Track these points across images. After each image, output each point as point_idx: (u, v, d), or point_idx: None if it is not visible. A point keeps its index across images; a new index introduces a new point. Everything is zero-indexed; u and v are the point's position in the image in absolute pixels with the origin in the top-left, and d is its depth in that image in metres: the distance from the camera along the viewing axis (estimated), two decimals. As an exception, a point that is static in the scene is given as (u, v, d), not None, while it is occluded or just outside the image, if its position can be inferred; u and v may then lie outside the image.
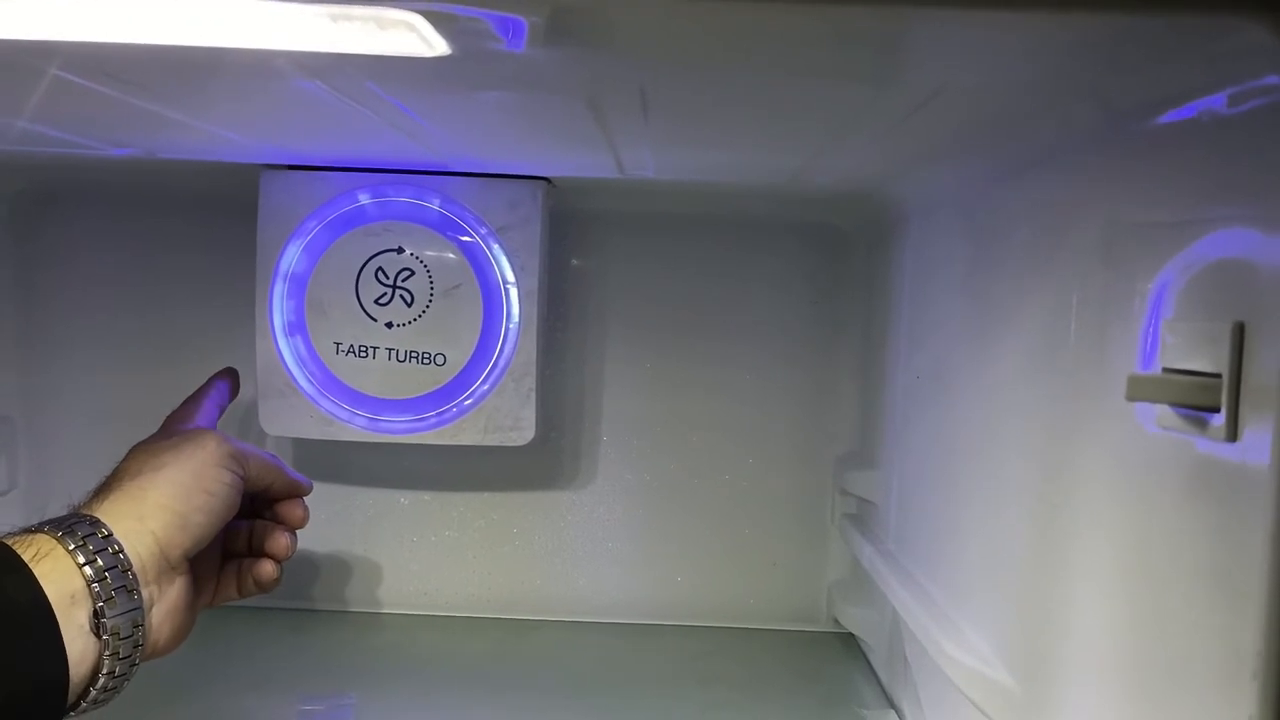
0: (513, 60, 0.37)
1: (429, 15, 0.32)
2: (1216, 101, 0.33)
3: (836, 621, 0.89)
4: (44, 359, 0.88)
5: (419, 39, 0.34)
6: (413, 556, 0.90)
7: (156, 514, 0.51)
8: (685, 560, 0.90)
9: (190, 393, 0.69)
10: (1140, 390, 0.33)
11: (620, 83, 0.41)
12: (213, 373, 0.72)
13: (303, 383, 0.77)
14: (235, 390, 0.71)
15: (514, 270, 0.77)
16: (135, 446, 0.58)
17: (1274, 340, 0.30)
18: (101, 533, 0.48)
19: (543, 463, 0.89)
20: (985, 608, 0.54)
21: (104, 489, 0.53)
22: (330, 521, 0.88)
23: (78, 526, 0.48)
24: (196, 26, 0.34)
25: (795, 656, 0.85)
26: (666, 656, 0.84)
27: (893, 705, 0.74)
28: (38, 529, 0.48)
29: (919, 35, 0.32)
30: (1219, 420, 0.32)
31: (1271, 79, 0.30)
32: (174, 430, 0.61)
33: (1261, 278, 0.31)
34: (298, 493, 0.64)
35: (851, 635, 0.87)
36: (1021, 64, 0.35)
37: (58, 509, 0.52)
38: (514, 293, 0.77)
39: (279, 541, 0.62)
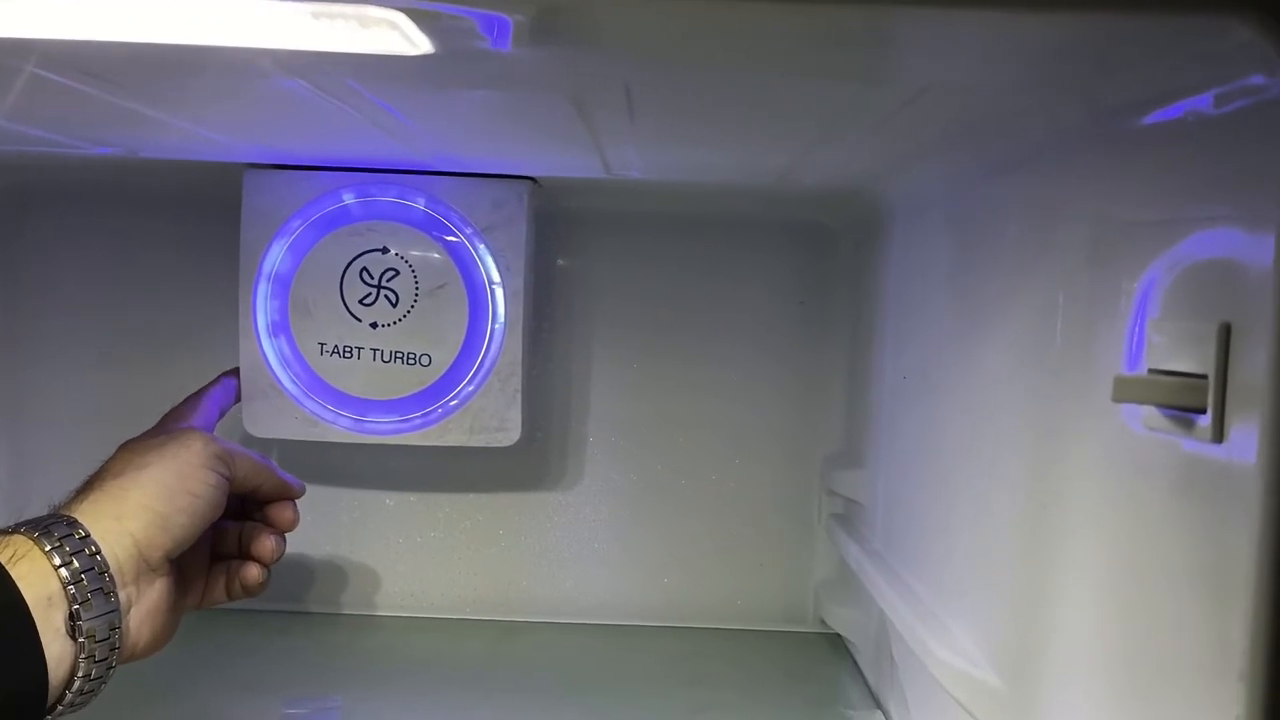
0: (497, 59, 0.37)
1: (412, 13, 0.32)
2: (1203, 101, 0.33)
3: (823, 622, 0.88)
4: (25, 359, 0.87)
5: (401, 37, 0.34)
6: (399, 558, 0.89)
7: (136, 514, 0.51)
8: (672, 561, 0.90)
9: (177, 392, 0.68)
10: (1126, 392, 0.33)
11: (606, 81, 0.41)
12: (194, 372, 0.72)
13: (287, 384, 0.77)
14: (241, 391, 0.71)
15: (499, 270, 0.76)
16: (123, 445, 0.57)
17: (1260, 341, 0.30)
18: (78, 533, 0.48)
19: (529, 463, 0.89)
20: (972, 608, 0.54)
21: (86, 488, 0.53)
22: (315, 523, 0.87)
23: (54, 527, 0.48)
24: (175, 24, 0.34)
25: (782, 657, 0.85)
26: (653, 658, 0.83)
27: (879, 705, 0.74)
28: (14, 530, 0.48)
29: (906, 33, 0.32)
30: (1205, 421, 0.32)
31: (1257, 79, 0.30)
32: (164, 429, 0.60)
33: (1248, 278, 0.31)
34: (288, 495, 0.63)
35: (838, 635, 0.87)
36: (1009, 62, 0.35)
37: (37, 510, 0.52)
38: (499, 293, 0.77)
39: (265, 544, 0.61)
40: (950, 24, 0.30)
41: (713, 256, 0.88)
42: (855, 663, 0.82)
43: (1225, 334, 0.31)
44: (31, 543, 0.47)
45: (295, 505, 0.63)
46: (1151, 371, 0.35)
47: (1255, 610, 0.29)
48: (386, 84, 0.43)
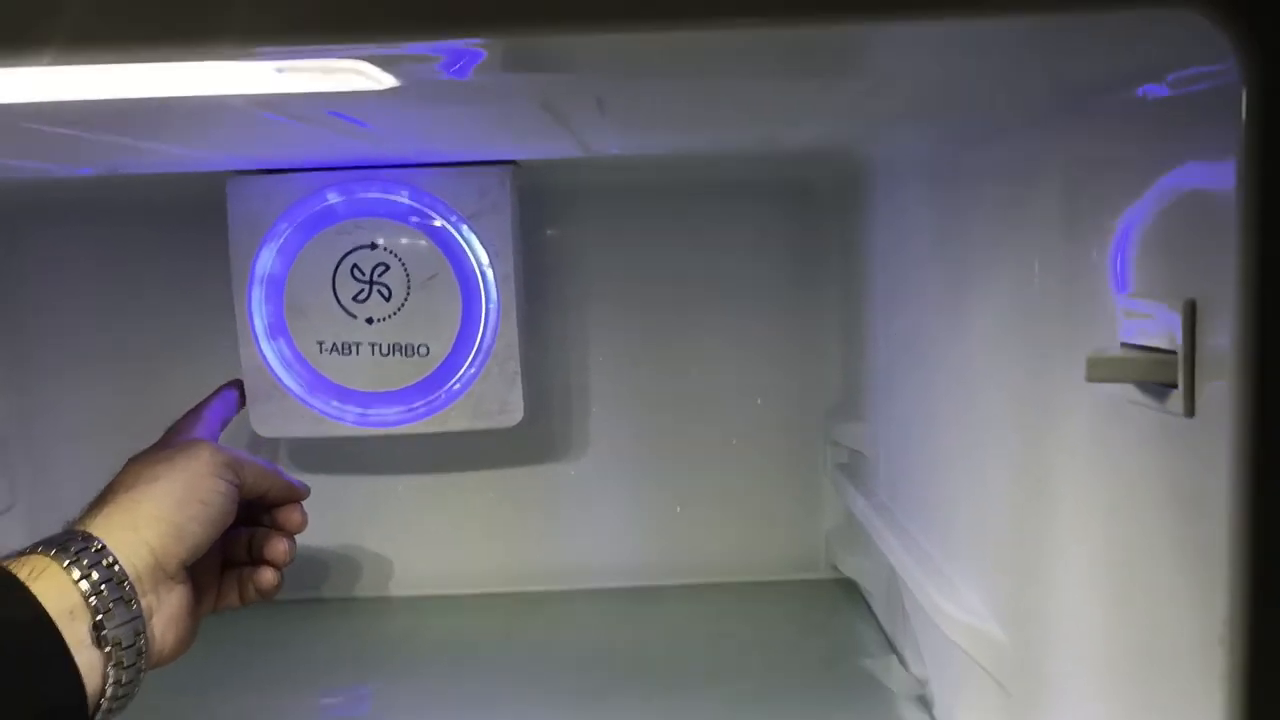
0: (463, 84, 0.37)
1: (373, 59, 0.32)
2: (1161, 84, 0.33)
3: (836, 568, 0.90)
4: (33, 375, 0.88)
5: (366, 79, 0.34)
6: (413, 541, 0.91)
7: (151, 525, 0.52)
8: (684, 520, 0.91)
9: (183, 397, 0.69)
10: (1099, 371, 0.34)
11: (574, 93, 0.41)
12: (199, 376, 0.73)
13: (290, 383, 0.78)
14: (242, 401, 0.72)
15: (488, 256, 0.77)
16: (131, 460, 0.58)
17: (1225, 318, 0.31)
18: (95, 547, 0.49)
19: (536, 440, 0.90)
20: (974, 563, 0.56)
21: (99, 503, 0.54)
22: (331, 512, 0.88)
23: (71, 543, 0.49)
24: (147, 82, 0.35)
25: (797, 607, 0.86)
26: (671, 618, 0.85)
27: (895, 650, 0.76)
28: (32, 550, 0.49)
29: (865, 43, 0.32)
30: (1177, 395, 0.33)
31: (1208, 65, 0.31)
32: (170, 442, 0.61)
33: (1211, 255, 0.31)
34: (295, 498, 0.64)
35: (852, 581, 0.88)
36: (971, 57, 0.35)
37: (55, 523, 0.52)
38: (490, 278, 0.77)
39: (278, 548, 0.62)
40: (907, 31, 0.31)
41: (702, 221, 0.88)
42: (869, 607, 0.84)
43: (1191, 311, 0.32)
44: (49, 560, 0.48)
45: (303, 508, 0.65)
46: (1124, 346, 0.36)
47: (1232, 581, 0.31)
48: (361, 108, 0.44)
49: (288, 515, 0.64)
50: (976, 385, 0.53)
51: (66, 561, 0.48)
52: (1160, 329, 0.33)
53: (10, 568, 0.47)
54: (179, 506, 0.54)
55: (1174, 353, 0.33)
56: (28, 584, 0.46)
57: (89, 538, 0.49)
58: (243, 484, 0.59)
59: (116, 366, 0.88)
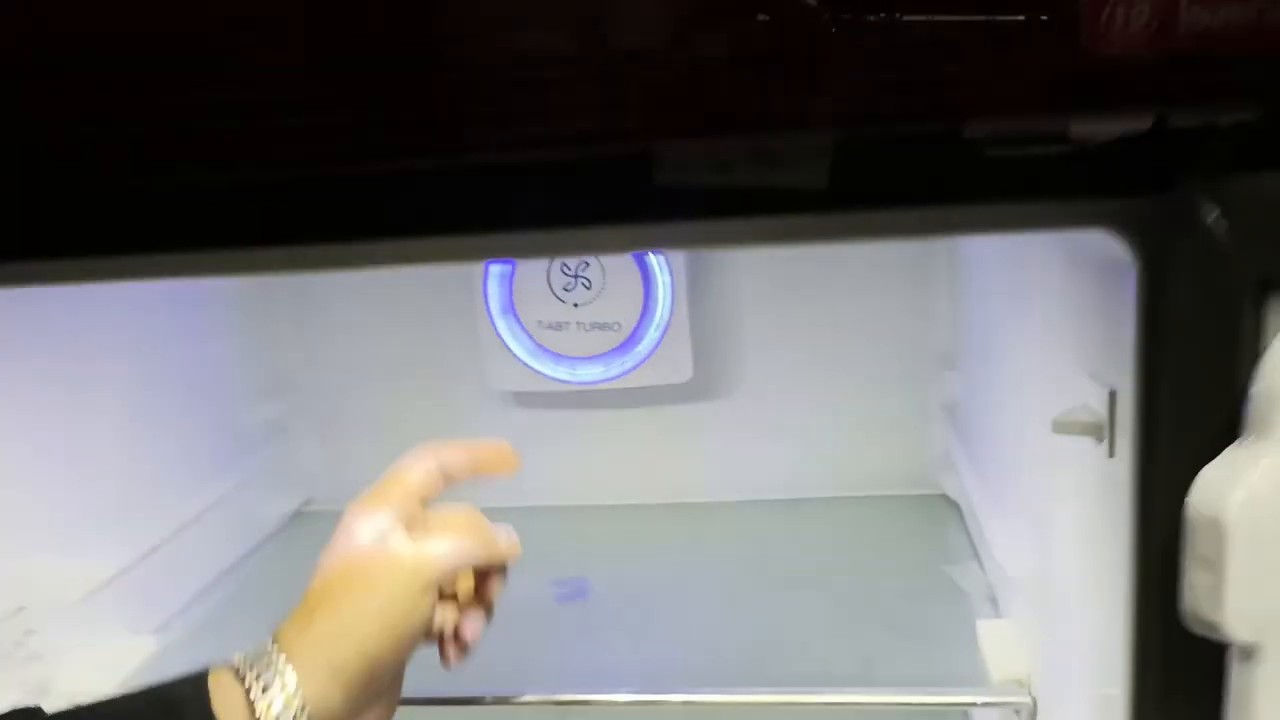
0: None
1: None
2: (1099, 261, 0.53)
3: (940, 487, 1.12)
4: (319, 334, 1.17)
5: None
6: (607, 461, 1.17)
7: (352, 664, 0.49)
8: (818, 445, 1.14)
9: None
10: (1061, 428, 0.55)
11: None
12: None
13: (517, 350, 1.04)
14: (463, 470, 0.59)
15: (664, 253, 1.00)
16: (331, 565, 0.52)
17: (1125, 404, 0.51)
18: (288, 689, 0.48)
19: (701, 382, 1.12)
20: (1022, 505, 0.78)
21: (302, 621, 0.50)
22: (546, 441, 1.15)
23: (265, 673, 0.48)
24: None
25: (907, 518, 1.09)
26: (803, 526, 1.10)
27: (978, 558, 0.98)
28: (232, 670, 0.49)
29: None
30: (1104, 444, 0.54)
31: (1120, 268, 0.50)
32: (367, 550, 0.52)
33: (1119, 369, 0.52)
34: (500, 563, 0.57)
35: (951, 498, 1.10)
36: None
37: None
38: (664, 270, 1.01)
39: (476, 627, 0.56)
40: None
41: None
42: (963, 521, 1.06)
43: (1112, 397, 0.53)
44: (243, 694, 0.47)
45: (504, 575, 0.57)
46: (1083, 406, 0.56)
47: (1132, 550, 0.52)
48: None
49: (492, 588, 0.57)
50: (1019, 384, 0.74)
51: (256, 696, 0.47)
52: (1100, 401, 0.54)
53: (210, 688, 0.47)
54: (384, 638, 0.50)
55: (1102, 421, 0.54)
56: (219, 709, 0.47)
57: (285, 674, 0.48)
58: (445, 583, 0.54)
59: (378, 331, 1.16)
